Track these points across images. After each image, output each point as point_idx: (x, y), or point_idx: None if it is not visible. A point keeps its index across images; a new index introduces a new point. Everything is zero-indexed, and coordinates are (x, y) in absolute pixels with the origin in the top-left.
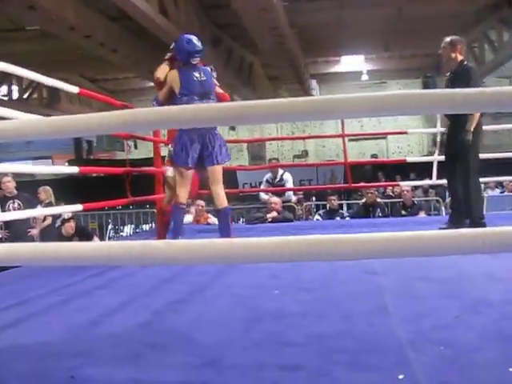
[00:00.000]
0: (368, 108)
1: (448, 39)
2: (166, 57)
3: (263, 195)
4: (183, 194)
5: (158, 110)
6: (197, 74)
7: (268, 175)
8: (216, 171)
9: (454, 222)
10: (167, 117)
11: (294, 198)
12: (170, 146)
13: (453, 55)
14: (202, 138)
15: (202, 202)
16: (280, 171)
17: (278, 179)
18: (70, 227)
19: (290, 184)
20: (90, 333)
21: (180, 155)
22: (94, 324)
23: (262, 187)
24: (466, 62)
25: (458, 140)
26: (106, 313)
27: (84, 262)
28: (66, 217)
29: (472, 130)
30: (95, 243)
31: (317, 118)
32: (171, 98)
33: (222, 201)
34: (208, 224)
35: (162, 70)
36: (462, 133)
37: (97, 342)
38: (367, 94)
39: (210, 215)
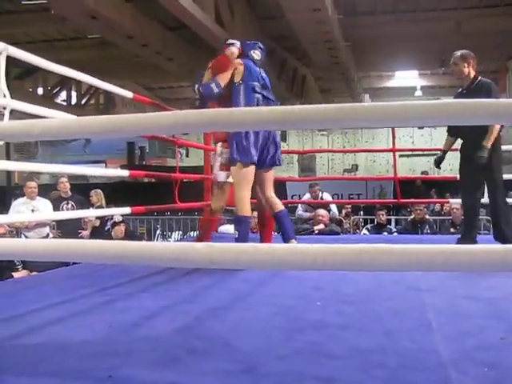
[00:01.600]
0: (416, 116)
1: (459, 53)
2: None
3: (301, 212)
4: (247, 204)
5: (206, 113)
6: (257, 69)
7: (307, 196)
8: (272, 174)
9: (466, 236)
10: (215, 119)
11: (337, 214)
12: (219, 146)
13: (466, 71)
14: (266, 137)
15: (254, 213)
16: (319, 193)
17: (319, 198)
18: (119, 231)
19: (332, 205)
20: (130, 334)
21: (243, 151)
22: (135, 326)
23: (300, 207)
24: (480, 78)
25: (473, 158)
26: (147, 316)
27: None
28: (116, 220)
29: (489, 146)
30: (145, 243)
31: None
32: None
33: (280, 204)
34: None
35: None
36: (477, 150)
37: (136, 344)
38: (414, 102)
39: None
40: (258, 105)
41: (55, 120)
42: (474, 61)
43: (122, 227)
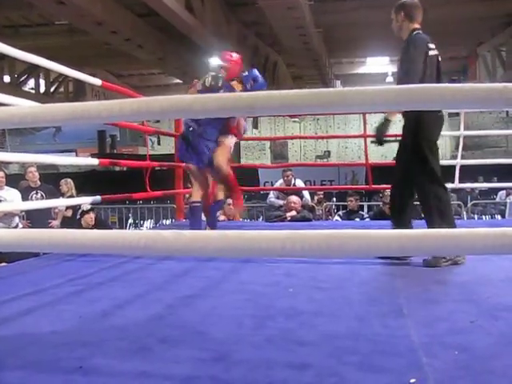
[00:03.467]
0: (388, 100)
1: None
2: None
3: (273, 199)
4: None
5: (172, 98)
6: None
7: (280, 182)
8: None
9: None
10: (181, 106)
11: (309, 201)
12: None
13: (400, 25)
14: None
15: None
16: (292, 179)
17: (292, 184)
18: (89, 218)
19: (304, 191)
20: (101, 324)
21: None
22: (105, 315)
23: (271, 194)
24: (416, 32)
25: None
26: (118, 305)
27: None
28: (84, 209)
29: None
30: (104, 231)
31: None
32: None
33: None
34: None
35: None
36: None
37: (107, 334)
38: (384, 87)
39: None
40: None
41: (17, 107)
42: (415, 11)
43: (92, 215)
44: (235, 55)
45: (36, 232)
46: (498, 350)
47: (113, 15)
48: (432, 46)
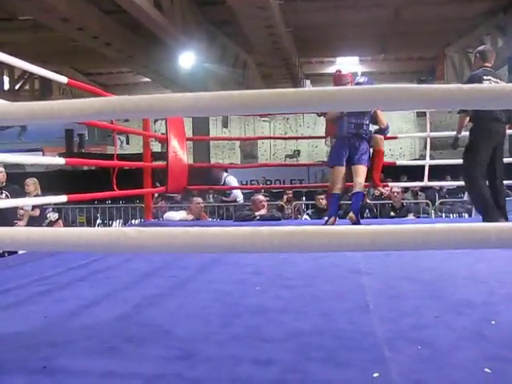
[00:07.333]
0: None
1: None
2: None
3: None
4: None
5: (135, 99)
6: None
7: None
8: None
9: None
10: (146, 106)
11: (240, 198)
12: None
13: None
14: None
15: (200, 199)
16: (224, 175)
17: (222, 182)
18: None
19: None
20: (67, 324)
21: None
22: (71, 315)
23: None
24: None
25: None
26: (84, 305)
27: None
28: (52, 219)
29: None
30: (74, 229)
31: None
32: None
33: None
34: None
35: None
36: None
37: (73, 334)
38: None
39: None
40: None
41: None
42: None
43: (61, 223)
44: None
45: None
46: (459, 344)
47: (79, 11)
48: None
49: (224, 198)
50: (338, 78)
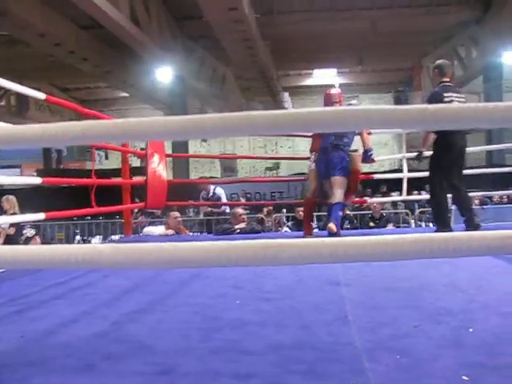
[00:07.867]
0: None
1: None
2: None
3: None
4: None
5: (115, 123)
6: None
7: (203, 192)
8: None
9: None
10: (128, 129)
11: (228, 210)
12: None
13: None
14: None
15: (177, 214)
16: (212, 187)
17: (211, 194)
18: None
19: (223, 197)
20: (44, 343)
21: None
22: (49, 334)
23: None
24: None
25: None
26: (62, 323)
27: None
28: (29, 235)
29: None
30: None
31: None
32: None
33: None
34: None
35: None
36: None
37: (51, 352)
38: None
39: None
40: None
41: None
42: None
43: (38, 239)
44: (335, 90)
45: None
46: (438, 352)
47: (56, 27)
48: None
49: (215, 210)
50: (326, 97)
